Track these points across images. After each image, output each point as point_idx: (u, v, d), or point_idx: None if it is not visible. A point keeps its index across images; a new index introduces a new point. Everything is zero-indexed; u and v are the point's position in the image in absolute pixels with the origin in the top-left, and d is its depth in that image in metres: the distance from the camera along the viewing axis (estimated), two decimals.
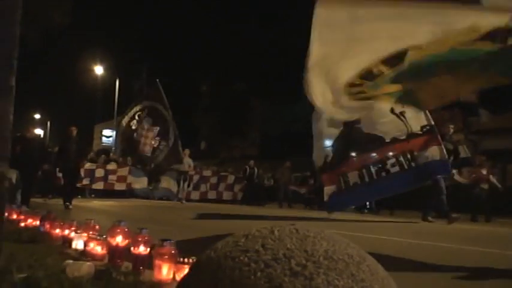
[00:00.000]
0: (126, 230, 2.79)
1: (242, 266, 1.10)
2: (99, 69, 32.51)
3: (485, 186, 11.78)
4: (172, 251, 2.29)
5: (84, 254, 3.06)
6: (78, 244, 3.25)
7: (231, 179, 20.52)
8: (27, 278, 1.96)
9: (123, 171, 17.79)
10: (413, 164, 7.60)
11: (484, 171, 11.91)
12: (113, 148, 23.88)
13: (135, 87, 37.88)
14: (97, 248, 2.92)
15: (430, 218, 9.47)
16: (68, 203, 11.08)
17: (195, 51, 35.62)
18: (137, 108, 13.90)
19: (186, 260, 2.20)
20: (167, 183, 18.27)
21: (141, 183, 17.71)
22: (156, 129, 14.11)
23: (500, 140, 17.08)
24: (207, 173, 20.21)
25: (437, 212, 9.62)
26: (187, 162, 17.47)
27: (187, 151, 16.72)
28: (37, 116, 51.93)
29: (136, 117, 13.83)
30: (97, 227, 3.21)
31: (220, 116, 33.86)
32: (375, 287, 1.08)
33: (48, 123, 53.22)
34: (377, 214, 12.92)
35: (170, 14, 35.83)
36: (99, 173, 17.32)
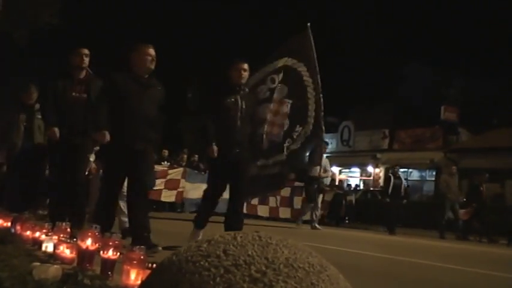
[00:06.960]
0: (96, 233, 2.75)
1: (202, 271, 1.09)
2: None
3: None
4: (142, 257, 2.26)
5: (53, 257, 3.01)
6: (48, 247, 3.20)
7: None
8: None
9: (176, 173, 12.60)
10: None
11: None
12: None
13: None
14: (66, 251, 2.88)
15: None
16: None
17: (183, 56, 35.63)
18: (270, 68, 9.09)
19: (154, 266, 2.18)
20: None
21: (198, 191, 11.76)
22: (289, 104, 8.79)
23: (479, 160, 17.36)
24: None
25: None
26: (324, 164, 11.20)
27: (325, 147, 10.88)
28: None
29: (269, 82, 8.66)
30: (68, 229, 3.16)
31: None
32: None
33: None
34: None
35: (159, 18, 35.78)
36: None
